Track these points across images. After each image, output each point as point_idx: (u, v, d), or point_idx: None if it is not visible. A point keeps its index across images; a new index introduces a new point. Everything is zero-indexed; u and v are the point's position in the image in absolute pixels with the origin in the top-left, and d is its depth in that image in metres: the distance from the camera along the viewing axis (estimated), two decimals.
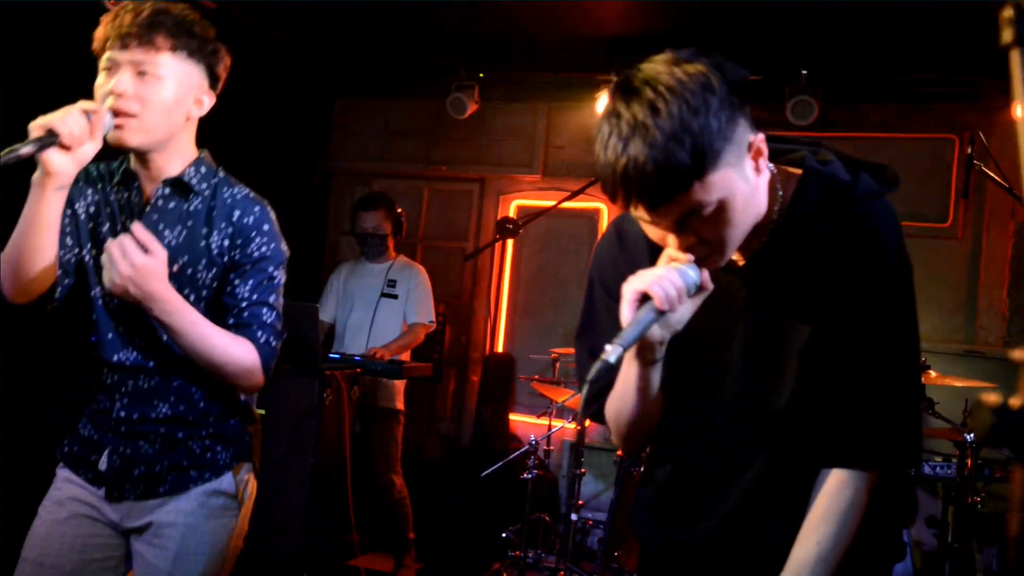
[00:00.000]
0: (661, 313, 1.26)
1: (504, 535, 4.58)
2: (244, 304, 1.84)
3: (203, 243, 1.84)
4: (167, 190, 1.85)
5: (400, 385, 4.55)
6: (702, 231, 1.28)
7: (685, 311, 1.31)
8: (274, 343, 1.86)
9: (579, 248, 5.77)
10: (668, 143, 1.18)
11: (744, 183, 1.28)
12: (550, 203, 4.50)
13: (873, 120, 5.02)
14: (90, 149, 1.65)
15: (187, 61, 1.79)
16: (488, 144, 5.96)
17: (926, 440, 4.09)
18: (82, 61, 1.87)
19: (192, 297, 1.82)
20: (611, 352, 1.22)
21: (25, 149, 1.56)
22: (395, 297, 4.63)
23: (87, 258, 1.88)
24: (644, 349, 1.35)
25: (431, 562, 4.78)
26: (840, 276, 1.36)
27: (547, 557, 4.61)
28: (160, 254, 1.68)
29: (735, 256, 1.42)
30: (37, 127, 1.59)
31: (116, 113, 1.70)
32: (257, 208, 1.88)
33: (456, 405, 5.93)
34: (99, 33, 1.76)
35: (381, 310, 4.60)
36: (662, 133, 1.18)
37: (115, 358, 1.85)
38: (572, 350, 4.49)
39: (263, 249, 1.86)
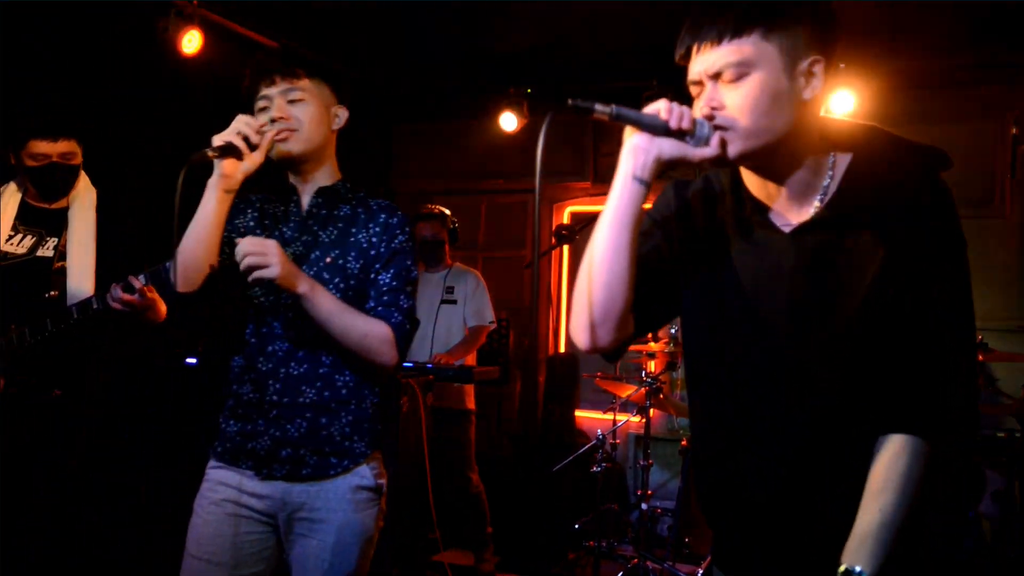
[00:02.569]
0: (664, 126, 1.31)
1: (576, 526, 4.57)
2: (385, 289, 2.01)
3: (353, 239, 2.03)
4: (320, 199, 2.06)
5: (470, 388, 4.55)
6: (726, 96, 1.33)
7: (677, 148, 1.34)
8: (408, 327, 2.02)
9: None
10: None
11: (782, 80, 1.32)
12: (602, 208, 4.48)
13: (915, 107, 4.89)
14: (256, 160, 1.87)
15: (321, 83, 2.03)
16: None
17: (990, 416, 3.96)
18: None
19: (341, 285, 1.98)
20: (600, 105, 1.29)
21: (210, 152, 1.81)
22: (454, 302, 4.65)
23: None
24: (631, 153, 1.36)
25: (509, 555, 4.76)
26: (893, 248, 1.33)
27: (619, 545, 4.59)
28: (268, 242, 1.85)
29: (787, 217, 1.42)
30: (218, 139, 1.82)
31: (279, 132, 1.95)
32: (399, 213, 2.08)
33: (524, 405, 5.92)
34: (248, 78, 2.03)
35: (442, 316, 4.62)
36: None
37: (269, 348, 1.99)
38: (635, 347, 4.44)
39: (405, 245, 2.05)
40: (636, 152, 1.36)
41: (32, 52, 3.65)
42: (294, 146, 1.98)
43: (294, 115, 1.97)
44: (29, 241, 3.00)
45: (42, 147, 2.93)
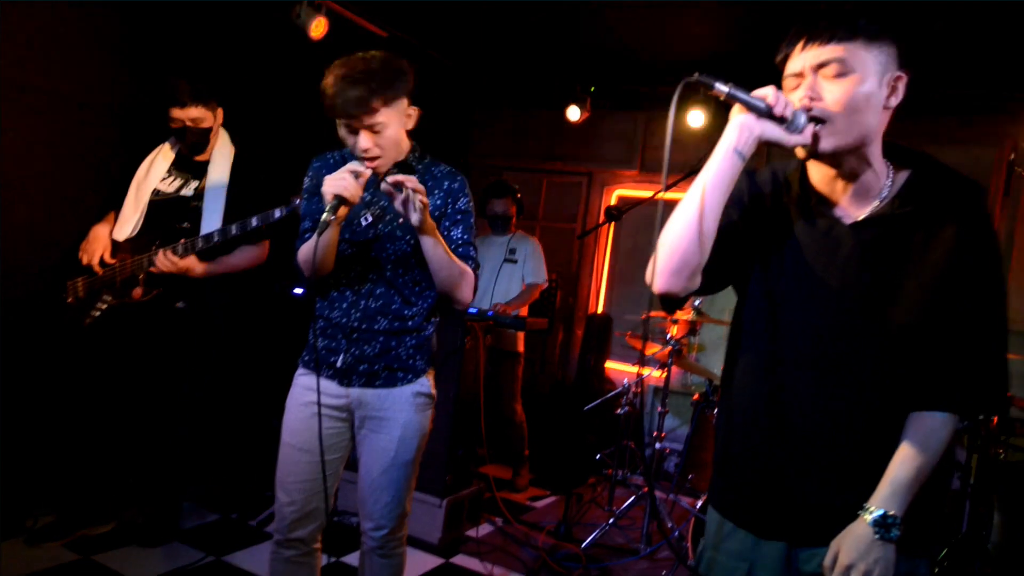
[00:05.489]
0: (767, 110, 1.29)
1: (598, 457, 4.64)
2: (460, 242, 2.06)
3: None
4: (395, 170, 2.01)
5: (521, 334, 4.63)
6: (825, 90, 1.31)
7: (776, 132, 1.31)
8: (476, 273, 2.08)
9: None
10: (858, 8, 1.31)
11: (873, 84, 1.31)
12: (646, 194, 4.49)
13: (922, 130, 4.79)
14: (359, 197, 1.86)
15: (396, 103, 1.93)
16: (596, 144, 5.91)
17: None
18: None
19: (412, 240, 2.01)
20: (720, 83, 1.28)
21: (329, 216, 1.80)
22: (515, 262, 4.69)
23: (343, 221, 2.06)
24: (738, 129, 1.32)
25: (540, 474, 4.89)
26: (941, 250, 1.32)
27: (632, 476, 4.66)
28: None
29: (847, 211, 1.40)
30: (329, 194, 1.81)
31: (369, 159, 1.94)
32: (460, 177, 2.12)
33: (564, 353, 5.99)
34: (328, 102, 1.89)
35: (503, 273, 4.67)
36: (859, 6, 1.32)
37: (354, 286, 2.07)
38: (660, 313, 4.48)
39: (469, 205, 2.10)
40: (742, 129, 1.32)
41: (191, 34, 3.78)
42: (383, 165, 1.98)
43: (378, 143, 1.93)
44: (178, 183, 3.15)
45: (176, 113, 3.06)
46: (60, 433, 3.16)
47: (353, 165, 1.88)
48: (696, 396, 4.32)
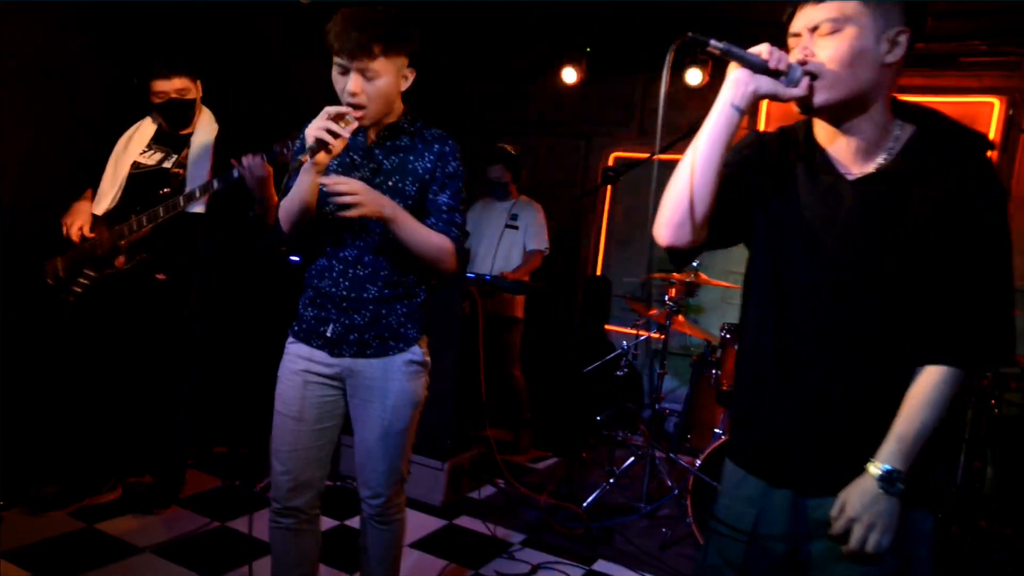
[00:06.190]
0: (763, 65, 1.31)
1: (598, 418, 4.66)
2: (444, 208, 2.03)
3: (411, 166, 2.02)
4: (386, 132, 2.03)
5: (520, 299, 4.63)
6: (819, 47, 1.33)
7: (772, 86, 1.33)
8: (462, 239, 2.07)
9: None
10: None
11: (870, 40, 1.31)
12: (644, 155, 4.43)
13: (921, 84, 4.71)
14: (340, 147, 1.85)
15: (396, 57, 1.92)
16: (594, 108, 5.83)
17: None
18: None
19: (400, 205, 1.96)
20: (715, 41, 1.29)
21: (306, 158, 1.82)
22: (516, 228, 4.68)
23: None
24: (734, 85, 1.34)
25: (541, 436, 4.91)
26: (946, 204, 1.31)
27: (632, 437, 4.69)
28: (357, 183, 1.86)
29: (850, 168, 1.40)
30: (311, 136, 1.80)
31: (353, 106, 1.89)
32: (450, 142, 2.07)
33: (563, 316, 6.00)
34: (329, 39, 1.88)
35: (505, 239, 4.66)
36: None
37: (341, 254, 2.03)
38: (660, 275, 4.42)
39: (458, 170, 2.05)
40: (738, 84, 1.34)
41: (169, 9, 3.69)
42: (367, 117, 1.94)
43: (366, 90, 1.89)
44: (158, 156, 3.13)
45: (162, 85, 3.03)
46: (61, 404, 3.17)
47: (338, 108, 1.85)
48: (695, 358, 4.33)
